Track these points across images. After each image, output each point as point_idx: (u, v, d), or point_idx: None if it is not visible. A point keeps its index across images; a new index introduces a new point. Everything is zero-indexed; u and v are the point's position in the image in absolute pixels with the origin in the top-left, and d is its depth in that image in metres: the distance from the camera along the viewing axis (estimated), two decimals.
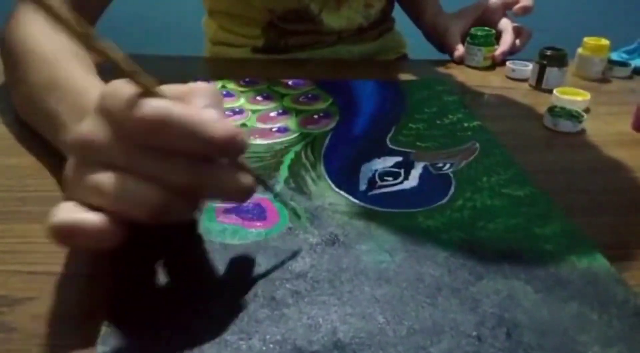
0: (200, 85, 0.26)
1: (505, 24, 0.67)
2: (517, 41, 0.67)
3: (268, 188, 0.33)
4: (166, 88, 0.24)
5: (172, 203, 0.23)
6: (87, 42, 0.21)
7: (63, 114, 0.32)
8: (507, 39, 0.66)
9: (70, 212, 0.22)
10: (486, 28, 0.65)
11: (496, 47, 0.65)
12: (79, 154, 0.24)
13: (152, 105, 0.22)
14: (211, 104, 0.25)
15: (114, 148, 0.23)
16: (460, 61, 0.65)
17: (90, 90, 0.33)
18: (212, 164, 0.24)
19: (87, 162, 0.23)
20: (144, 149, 0.23)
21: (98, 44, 0.21)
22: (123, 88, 0.23)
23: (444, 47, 0.69)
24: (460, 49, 0.65)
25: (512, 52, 0.66)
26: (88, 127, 0.23)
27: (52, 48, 0.39)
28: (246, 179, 0.25)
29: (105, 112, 0.23)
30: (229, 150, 0.23)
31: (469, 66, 0.64)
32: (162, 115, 0.22)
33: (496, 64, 0.65)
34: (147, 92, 0.23)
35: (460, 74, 0.63)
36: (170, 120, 0.22)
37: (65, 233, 0.22)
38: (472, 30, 0.64)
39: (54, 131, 0.33)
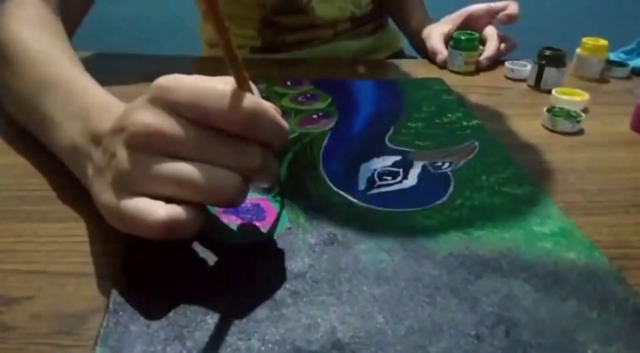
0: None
1: (491, 31, 0.67)
2: (502, 45, 0.66)
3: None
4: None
5: (247, 188, 0.26)
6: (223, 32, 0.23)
7: (57, 113, 0.32)
8: (491, 45, 0.65)
9: (162, 207, 0.23)
10: (469, 31, 0.64)
11: (481, 50, 0.64)
12: (143, 145, 0.24)
13: (250, 99, 0.24)
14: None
15: (182, 137, 0.24)
16: (443, 66, 0.65)
17: (89, 90, 0.33)
18: (271, 152, 0.27)
19: (153, 153, 0.24)
20: (216, 138, 0.24)
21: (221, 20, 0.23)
22: (183, 78, 0.24)
23: (427, 51, 0.68)
24: (443, 53, 0.64)
25: (496, 58, 0.65)
26: (150, 119, 0.24)
27: (42, 48, 0.38)
28: (278, 165, 0.29)
29: (171, 104, 0.24)
30: (285, 141, 0.27)
31: (451, 71, 0.63)
32: (259, 109, 0.24)
33: (480, 69, 0.64)
34: (244, 87, 0.25)
35: (459, 73, 0.63)
36: (264, 114, 0.25)
37: (169, 229, 0.23)
38: (455, 34, 0.63)
39: (48, 131, 0.33)
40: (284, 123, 0.26)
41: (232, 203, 0.25)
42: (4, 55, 0.40)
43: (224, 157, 0.24)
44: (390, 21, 0.80)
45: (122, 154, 0.24)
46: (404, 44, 0.81)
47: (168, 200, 0.24)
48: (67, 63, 0.37)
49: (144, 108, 0.24)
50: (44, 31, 0.41)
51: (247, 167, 0.25)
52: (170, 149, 0.24)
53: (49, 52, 0.38)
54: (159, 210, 0.23)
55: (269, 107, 0.25)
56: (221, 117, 0.24)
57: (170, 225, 0.23)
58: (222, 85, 0.24)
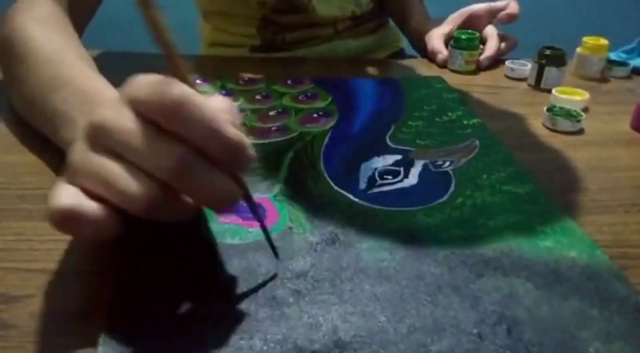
0: (220, 97, 0.26)
1: (491, 31, 0.67)
2: (503, 44, 0.66)
3: (255, 212, 0.28)
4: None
5: (163, 199, 0.23)
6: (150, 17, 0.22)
7: (73, 111, 0.32)
8: (492, 44, 0.65)
9: (72, 197, 0.22)
10: (470, 31, 0.64)
11: (481, 50, 0.64)
12: (94, 139, 0.23)
13: (178, 88, 0.22)
14: (230, 115, 0.25)
15: (129, 137, 0.22)
16: (443, 65, 0.65)
17: (104, 90, 0.33)
18: (205, 164, 0.23)
19: (99, 147, 0.23)
20: (154, 139, 0.22)
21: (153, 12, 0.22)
22: (152, 76, 0.23)
23: (427, 51, 0.68)
24: (444, 53, 0.64)
25: (496, 58, 0.65)
26: (110, 113, 0.23)
27: (55, 48, 0.38)
28: (234, 190, 0.24)
29: (130, 97, 0.23)
30: (236, 157, 0.23)
31: (451, 70, 0.63)
32: (186, 99, 0.22)
33: (480, 69, 0.64)
34: (182, 80, 0.23)
35: (460, 72, 0.63)
36: (192, 106, 0.22)
37: (65, 219, 0.22)
38: (456, 34, 0.63)
39: (59, 129, 0.33)
40: (221, 127, 0.22)
41: (144, 213, 0.22)
42: (16, 54, 0.40)
43: (146, 158, 0.22)
44: (391, 20, 0.80)
45: (77, 145, 0.24)
46: (405, 43, 0.81)
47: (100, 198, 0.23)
48: (79, 62, 0.37)
49: (113, 104, 0.24)
50: (56, 30, 0.42)
51: (160, 169, 0.22)
52: (117, 148, 0.23)
53: (61, 51, 0.38)
54: (60, 198, 0.22)
55: (202, 103, 0.22)
56: (145, 103, 0.22)
57: (66, 215, 0.22)
58: (157, 77, 0.23)
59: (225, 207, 0.25)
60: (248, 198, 0.27)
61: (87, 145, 0.24)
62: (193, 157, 0.22)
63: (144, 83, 0.22)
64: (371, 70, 0.62)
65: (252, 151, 0.24)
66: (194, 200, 0.24)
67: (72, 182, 0.23)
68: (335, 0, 0.68)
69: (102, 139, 0.23)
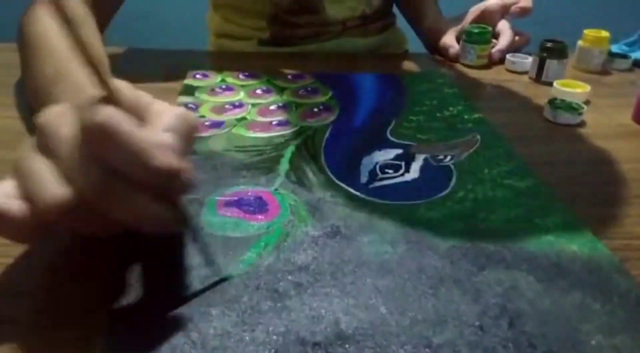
0: (172, 108, 0.25)
1: (504, 25, 0.67)
2: (517, 38, 0.66)
3: (195, 237, 0.29)
4: (133, 94, 0.24)
5: (76, 210, 0.22)
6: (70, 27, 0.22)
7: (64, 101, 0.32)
8: (505, 38, 0.65)
9: (1, 195, 0.22)
10: (482, 25, 0.64)
11: (494, 44, 0.64)
12: (37, 137, 0.24)
13: (102, 115, 0.21)
14: (176, 129, 0.24)
15: (58, 142, 0.22)
16: (455, 59, 0.65)
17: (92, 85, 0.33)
18: (127, 187, 0.22)
19: (38, 146, 0.23)
20: (77, 149, 0.22)
21: (76, 31, 0.22)
22: (94, 96, 0.22)
23: (439, 48, 0.68)
24: (455, 47, 0.64)
25: (509, 51, 0.65)
26: (55, 115, 0.23)
27: (63, 44, 0.39)
28: (161, 214, 0.24)
29: (44, 126, 0.23)
30: (166, 183, 0.23)
31: (463, 65, 0.63)
32: (109, 128, 0.21)
33: (492, 63, 0.63)
34: (109, 98, 0.22)
35: (461, 67, 0.62)
36: (115, 136, 0.21)
37: None
38: (468, 28, 0.63)
39: None
40: (145, 154, 0.22)
41: (54, 217, 0.22)
42: (30, 47, 0.41)
43: (67, 168, 0.22)
44: (397, 22, 0.79)
45: (29, 139, 0.24)
46: (410, 45, 0.81)
47: None
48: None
49: (64, 106, 0.24)
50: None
51: (79, 184, 0.22)
52: (47, 147, 0.23)
53: (68, 49, 0.38)
54: None
55: (127, 131, 0.21)
56: (74, 125, 0.22)
57: None
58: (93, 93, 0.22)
59: (152, 229, 0.24)
60: (186, 223, 0.27)
61: (34, 141, 0.24)
62: (113, 179, 0.22)
63: (86, 102, 0.22)
64: (375, 66, 0.62)
65: (188, 176, 0.23)
66: (115, 220, 0.23)
67: (13, 178, 0.23)
68: (346, 1, 0.68)
69: (40, 139, 0.23)
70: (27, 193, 0.22)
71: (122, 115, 0.22)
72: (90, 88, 0.32)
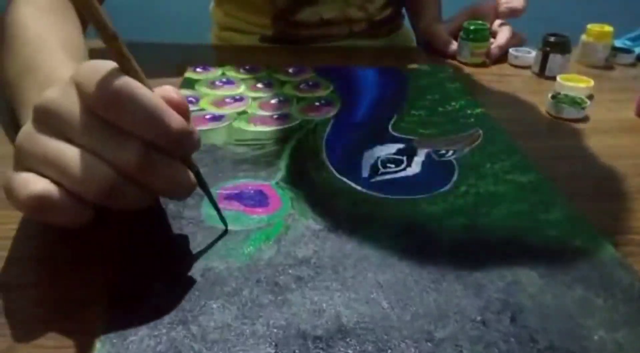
0: (168, 87, 0.26)
1: (501, 24, 0.66)
2: (514, 36, 0.65)
3: (207, 192, 0.29)
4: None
5: (120, 187, 0.23)
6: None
7: (33, 98, 0.31)
8: (503, 35, 0.64)
9: (39, 184, 0.22)
10: (479, 22, 0.63)
11: (491, 42, 0.63)
12: (39, 120, 0.23)
13: (119, 79, 0.22)
14: (175, 99, 0.25)
15: (75, 120, 0.22)
16: (453, 56, 0.64)
17: (65, 73, 0.32)
18: (162, 155, 0.24)
19: (48, 130, 0.23)
20: (103, 126, 0.22)
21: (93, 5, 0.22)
22: (101, 63, 0.23)
23: (434, 48, 0.67)
24: (454, 44, 0.64)
25: (507, 48, 0.63)
26: (56, 94, 0.23)
27: (38, 32, 0.38)
28: (190, 177, 0.25)
29: (77, 82, 0.23)
30: (181, 144, 0.24)
31: (460, 62, 0.62)
32: (126, 90, 0.22)
33: (490, 59, 0.62)
34: (124, 68, 0.23)
35: (468, 64, 0.62)
36: (133, 98, 0.22)
37: (37, 206, 0.22)
38: (465, 24, 0.62)
39: (21, 115, 0.32)
40: (161, 116, 0.22)
41: (101, 198, 0.23)
42: (5, 37, 0.40)
43: (102, 148, 0.22)
44: (404, 22, 0.79)
45: (25, 127, 0.24)
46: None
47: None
48: (57, 49, 0.36)
49: (61, 86, 0.23)
50: (48, 15, 0.41)
51: (121, 162, 0.22)
52: (65, 131, 0.23)
53: (44, 37, 0.37)
54: (32, 185, 0.22)
55: (145, 94, 0.22)
56: (86, 93, 0.22)
57: (39, 200, 0.22)
58: (105, 65, 0.22)
59: (182, 195, 0.26)
60: (201, 182, 0.28)
61: (33, 127, 0.23)
62: (153, 151, 0.23)
63: (90, 71, 0.22)
64: (377, 61, 0.62)
65: (196, 136, 0.25)
66: (153, 190, 0.24)
67: (21, 166, 0.23)
68: (338, 5, 0.67)
69: (47, 120, 0.23)
70: (57, 176, 0.22)
71: (135, 81, 0.23)
72: (60, 77, 0.31)
